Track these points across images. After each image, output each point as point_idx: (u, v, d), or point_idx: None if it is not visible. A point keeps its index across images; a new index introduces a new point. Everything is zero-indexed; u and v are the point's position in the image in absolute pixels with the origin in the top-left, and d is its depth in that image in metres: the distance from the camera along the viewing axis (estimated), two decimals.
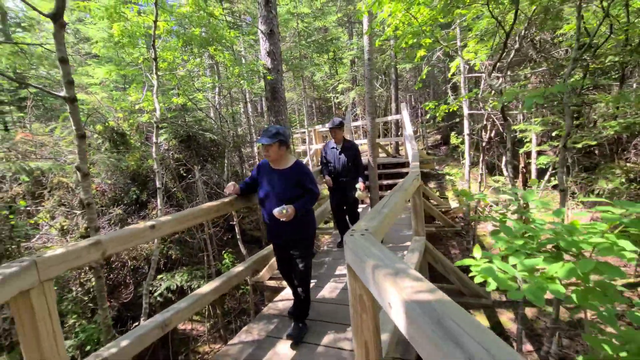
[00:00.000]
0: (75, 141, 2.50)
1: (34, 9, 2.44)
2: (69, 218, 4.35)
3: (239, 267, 3.53)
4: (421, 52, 5.34)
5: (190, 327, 6.53)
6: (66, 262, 1.84)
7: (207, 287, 3.06)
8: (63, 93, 2.39)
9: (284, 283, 4.24)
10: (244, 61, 8.28)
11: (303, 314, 3.15)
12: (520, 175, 8.32)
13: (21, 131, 5.27)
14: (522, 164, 8.24)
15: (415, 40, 4.56)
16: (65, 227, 4.29)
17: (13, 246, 3.73)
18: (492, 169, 10.77)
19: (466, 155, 9.13)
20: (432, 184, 11.73)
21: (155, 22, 4.26)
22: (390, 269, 1.21)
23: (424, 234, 4.03)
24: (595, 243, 1.48)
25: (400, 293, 1.02)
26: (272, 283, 4.62)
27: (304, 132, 14.10)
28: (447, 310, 0.88)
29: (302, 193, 2.87)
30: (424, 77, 6.73)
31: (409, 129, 9.93)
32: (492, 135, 8.88)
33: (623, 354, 1.33)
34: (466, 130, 8.92)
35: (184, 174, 6.10)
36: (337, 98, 18.13)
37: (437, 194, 10.61)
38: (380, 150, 13.45)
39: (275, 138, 2.77)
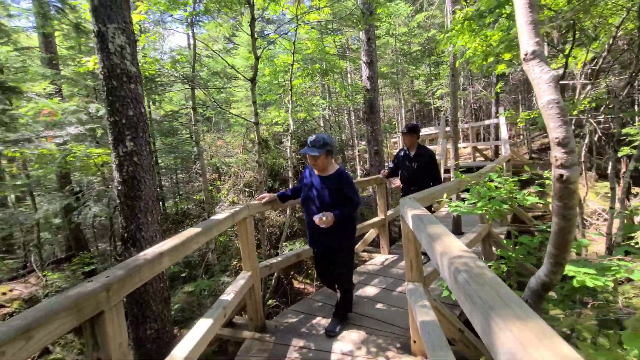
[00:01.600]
0: (256, 147, 4.44)
1: (242, 76, 4.43)
2: (236, 194, 6.69)
3: None
4: (501, 67, 6.01)
5: (302, 287, 8.46)
6: (258, 207, 3.63)
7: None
8: (253, 120, 4.32)
9: (373, 255, 5.55)
10: (349, 78, 9.97)
11: (342, 314, 3.22)
12: (620, 181, 7.81)
13: (218, 139, 8.05)
14: (623, 169, 7.72)
15: (490, 59, 5.35)
16: (234, 201, 6.63)
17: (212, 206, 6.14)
18: (604, 175, 9.91)
19: None
20: (532, 188, 11.32)
21: (292, 64, 6.18)
22: (417, 210, 2.50)
23: (486, 222, 4.88)
24: None
25: (411, 212, 2.33)
26: (364, 255, 6.01)
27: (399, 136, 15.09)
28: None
29: (343, 201, 2.87)
30: (499, 90, 7.22)
31: (504, 133, 10.09)
32: (596, 139, 8.47)
33: None
34: None
35: (301, 170, 8.05)
36: (436, 103, 18.40)
37: (537, 198, 10.32)
38: (478, 154, 13.53)
39: (323, 149, 2.77)
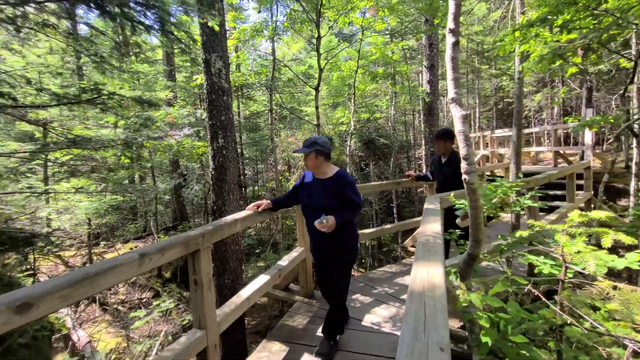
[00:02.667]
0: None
1: (308, 85, 5.20)
2: None
3: (388, 226, 5.57)
4: (572, 70, 5.67)
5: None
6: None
7: (368, 231, 5.26)
8: (315, 122, 5.07)
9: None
10: (420, 78, 10.08)
11: (334, 332, 2.97)
12: None
13: (290, 136, 9.19)
14: None
15: (558, 62, 5.15)
16: None
17: (281, 194, 7.18)
18: None
19: None
20: (623, 202, 9.90)
21: (356, 71, 6.76)
22: (429, 205, 2.93)
23: None
24: None
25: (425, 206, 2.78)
26: (412, 249, 6.36)
27: (476, 137, 14.37)
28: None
29: (344, 204, 2.68)
30: (563, 95, 6.64)
31: (587, 137, 9.15)
32: None
33: None
34: None
35: (363, 167, 8.57)
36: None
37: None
38: (561, 159, 12.27)
39: (312, 147, 2.68)
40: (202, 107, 6.74)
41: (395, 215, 7.55)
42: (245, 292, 3.09)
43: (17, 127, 8.49)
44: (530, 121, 18.23)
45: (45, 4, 2.60)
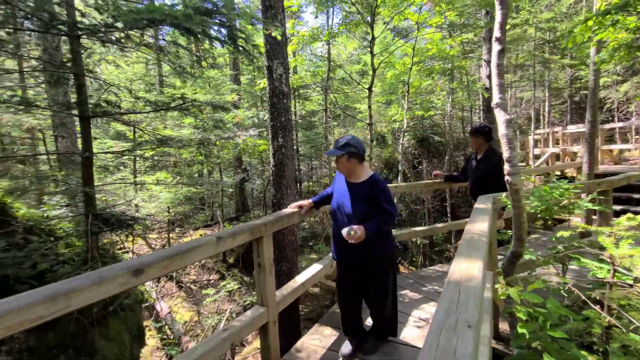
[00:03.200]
0: (369, 143, 5.33)
1: (360, 84, 5.34)
2: None
3: (440, 225, 5.50)
4: None
5: (405, 272, 9.00)
6: None
7: (419, 228, 5.26)
8: (367, 121, 5.20)
9: None
10: (470, 74, 9.55)
11: (380, 333, 2.82)
12: None
13: (343, 134, 9.40)
14: None
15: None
16: None
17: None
18: None
19: None
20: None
21: (410, 68, 6.69)
22: (479, 204, 2.90)
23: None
24: None
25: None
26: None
27: (544, 134, 13.11)
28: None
29: (376, 212, 2.45)
30: None
31: None
32: None
33: None
34: None
35: (416, 165, 8.44)
36: (599, 93, 14.78)
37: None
38: None
39: (344, 149, 2.48)
40: (263, 108, 7.26)
41: (449, 215, 7.34)
42: (300, 278, 3.39)
43: (112, 127, 9.94)
44: (614, 115, 16.03)
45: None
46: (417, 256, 7.80)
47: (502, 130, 1.39)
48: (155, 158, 5.70)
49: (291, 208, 2.89)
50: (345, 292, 2.75)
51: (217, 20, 2.85)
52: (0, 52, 2.83)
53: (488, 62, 6.34)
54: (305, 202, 2.89)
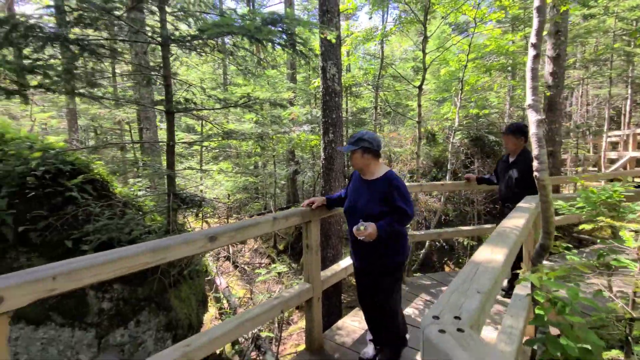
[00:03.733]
0: (417, 141, 5.38)
1: (411, 83, 5.42)
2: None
3: (487, 225, 5.39)
4: None
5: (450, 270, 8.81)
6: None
7: (466, 228, 5.22)
8: (416, 119, 5.28)
9: None
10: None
11: (391, 342, 2.67)
12: None
13: (393, 131, 9.55)
14: None
15: None
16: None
17: None
18: None
19: None
20: None
21: (465, 65, 6.54)
22: (523, 203, 2.90)
23: None
24: None
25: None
26: None
27: (623, 136, 11.68)
28: None
29: (391, 210, 2.35)
30: None
31: None
32: None
33: None
34: None
35: (468, 164, 8.18)
36: None
37: None
38: None
39: (358, 145, 2.41)
40: (316, 105, 7.66)
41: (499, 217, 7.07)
42: (343, 263, 3.68)
43: (183, 121, 11.10)
44: None
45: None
46: (463, 257, 7.61)
47: (532, 129, 1.50)
48: (220, 149, 6.39)
49: (303, 205, 2.81)
50: (363, 298, 2.69)
51: (279, 29, 3.21)
52: (115, 59, 3.49)
53: (553, 58, 5.95)
54: (318, 199, 2.81)
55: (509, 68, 6.87)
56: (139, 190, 4.77)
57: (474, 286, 1.19)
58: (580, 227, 2.97)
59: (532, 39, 1.54)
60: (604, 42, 9.77)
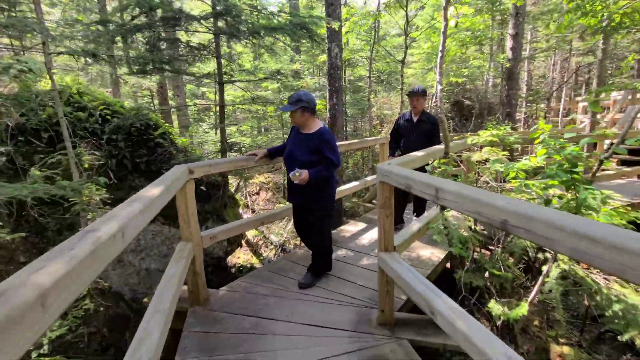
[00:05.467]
0: (400, 104, 6.95)
1: (395, 59, 6.86)
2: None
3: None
4: None
5: None
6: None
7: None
8: (400, 87, 6.80)
9: None
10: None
11: (316, 269, 3.25)
12: None
13: (384, 97, 10.95)
14: None
15: None
16: None
17: None
18: None
19: None
20: None
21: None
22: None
23: None
24: None
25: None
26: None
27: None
28: None
29: (321, 160, 2.82)
30: None
31: None
32: None
33: None
34: None
35: (449, 124, 9.81)
36: None
37: None
38: None
39: (297, 105, 2.76)
40: (321, 75, 9.08)
41: None
42: (342, 188, 5.40)
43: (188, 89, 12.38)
44: None
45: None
46: None
47: (438, 90, 3.10)
48: (248, 112, 7.89)
49: (247, 155, 3.26)
50: (301, 229, 3.31)
51: (305, 30, 4.71)
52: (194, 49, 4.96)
53: (513, 36, 7.38)
54: (260, 151, 3.18)
55: (478, 42, 8.24)
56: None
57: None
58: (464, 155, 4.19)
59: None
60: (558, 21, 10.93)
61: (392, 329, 2.65)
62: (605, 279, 2.48)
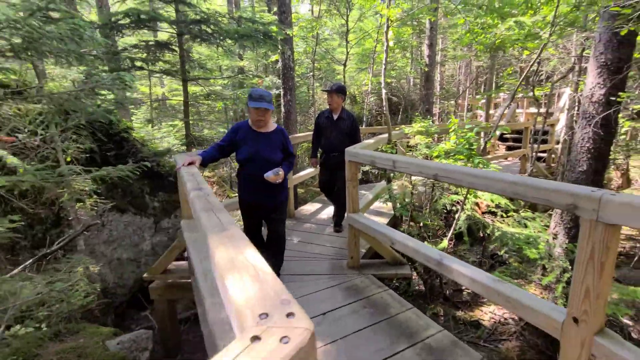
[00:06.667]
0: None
1: (338, 62, 7.83)
2: None
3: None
4: None
5: None
6: None
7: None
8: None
9: None
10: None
11: (275, 266, 3.25)
12: None
13: (323, 93, 11.91)
14: None
15: None
16: None
17: None
18: None
19: None
20: None
21: (375, 46, 9.17)
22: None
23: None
24: None
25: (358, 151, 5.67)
26: None
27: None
28: None
29: (286, 156, 2.95)
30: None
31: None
32: None
33: None
34: None
35: (379, 119, 11.26)
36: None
37: None
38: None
39: (272, 105, 2.74)
40: (270, 73, 9.78)
41: None
42: (301, 173, 6.22)
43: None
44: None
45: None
46: None
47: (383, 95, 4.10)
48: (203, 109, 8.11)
49: (184, 164, 2.66)
50: (250, 230, 3.18)
51: (268, 36, 5.36)
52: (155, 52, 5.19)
53: (429, 46, 8.96)
54: (196, 159, 2.73)
55: (404, 48, 9.77)
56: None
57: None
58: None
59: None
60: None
61: (359, 270, 3.61)
62: (492, 221, 3.79)
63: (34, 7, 2.27)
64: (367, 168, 7.14)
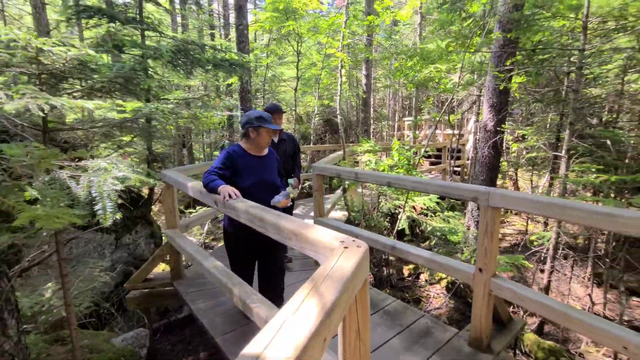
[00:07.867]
0: (293, 123, 8.79)
1: (290, 87, 8.61)
2: None
3: None
4: None
5: None
6: None
7: None
8: (292, 108, 8.61)
9: None
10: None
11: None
12: None
13: None
14: None
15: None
16: None
17: None
18: None
19: None
20: None
21: (320, 73, 10.28)
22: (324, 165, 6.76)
23: None
24: None
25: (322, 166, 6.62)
26: None
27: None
28: None
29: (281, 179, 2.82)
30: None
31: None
32: None
33: None
34: None
35: (322, 137, 12.30)
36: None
37: None
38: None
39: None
40: (226, 94, 10.06)
41: None
42: None
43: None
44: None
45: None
46: None
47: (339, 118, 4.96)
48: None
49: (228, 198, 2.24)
50: (241, 265, 2.75)
51: (231, 64, 5.91)
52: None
53: (366, 76, 10.33)
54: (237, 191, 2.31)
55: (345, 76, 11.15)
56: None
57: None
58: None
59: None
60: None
61: None
62: (426, 221, 4.86)
63: None
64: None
